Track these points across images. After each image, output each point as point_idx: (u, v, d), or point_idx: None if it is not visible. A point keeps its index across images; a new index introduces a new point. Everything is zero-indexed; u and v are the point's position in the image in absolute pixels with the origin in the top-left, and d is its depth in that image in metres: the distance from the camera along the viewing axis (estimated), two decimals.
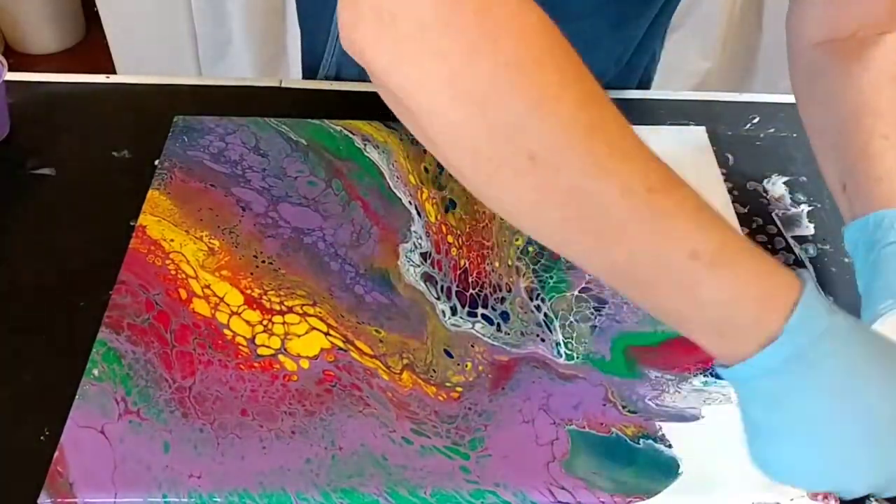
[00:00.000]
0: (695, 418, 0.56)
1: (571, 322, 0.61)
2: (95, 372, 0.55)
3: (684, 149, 0.76)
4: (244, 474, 0.51)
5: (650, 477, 0.52)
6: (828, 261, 0.70)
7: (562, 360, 0.58)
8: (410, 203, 0.68)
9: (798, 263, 0.69)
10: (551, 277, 0.64)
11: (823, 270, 0.69)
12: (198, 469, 0.51)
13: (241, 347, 0.57)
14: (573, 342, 0.59)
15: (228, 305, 0.60)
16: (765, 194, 0.76)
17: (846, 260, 0.69)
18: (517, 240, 0.66)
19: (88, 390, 0.54)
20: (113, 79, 0.81)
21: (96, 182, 0.71)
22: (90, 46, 2.07)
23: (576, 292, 0.63)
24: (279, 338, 0.58)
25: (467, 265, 0.64)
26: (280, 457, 0.52)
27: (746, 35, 1.64)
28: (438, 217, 0.67)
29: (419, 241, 0.65)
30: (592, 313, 0.61)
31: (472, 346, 0.59)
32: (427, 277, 0.63)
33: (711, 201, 0.72)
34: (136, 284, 0.60)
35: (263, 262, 0.63)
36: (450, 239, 0.66)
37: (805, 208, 0.74)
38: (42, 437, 0.53)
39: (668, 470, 0.53)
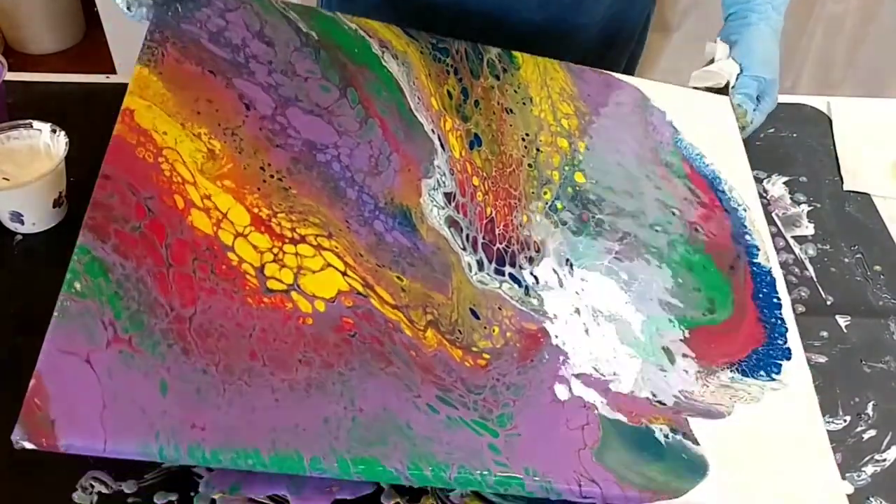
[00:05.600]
0: (721, 416, 0.54)
1: (602, 294, 0.57)
2: (77, 285, 0.46)
3: (705, 117, 0.73)
4: (254, 429, 0.45)
5: (678, 475, 0.50)
6: (828, 261, 0.69)
7: (593, 336, 0.55)
8: (433, 132, 0.61)
9: (798, 263, 0.69)
10: (580, 242, 0.59)
11: (823, 270, 0.68)
12: (201, 419, 0.44)
13: (248, 277, 0.50)
14: (603, 317, 0.56)
15: (233, 224, 0.51)
16: (765, 194, 0.75)
17: (846, 260, 0.70)
18: (545, 193, 0.61)
19: (69, 307, 0.45)
20: (113, 79, 0.80)
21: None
22: (90, 46, 2.02)
23: (606, 262, 0.59)
24: (291, 271, 0.51)
25: (494, 214, 0.59)
26: (295, 413, 0.46)
27: None
28: (463, 153, 0.61)
29: (443, 178, 0.59)
30: (623, 287, 0.58)
31: (500, 308, 0.54)
32: (452, 222, 0.57)
33: (733, 174, 0.69)
34: (123, 182, 0.50)
35: (272, 176, 0.54)
36: (475, 181, 0.60)
37: (805, 208, 0.74)
38: None
39: (695, 469, 0.51)
